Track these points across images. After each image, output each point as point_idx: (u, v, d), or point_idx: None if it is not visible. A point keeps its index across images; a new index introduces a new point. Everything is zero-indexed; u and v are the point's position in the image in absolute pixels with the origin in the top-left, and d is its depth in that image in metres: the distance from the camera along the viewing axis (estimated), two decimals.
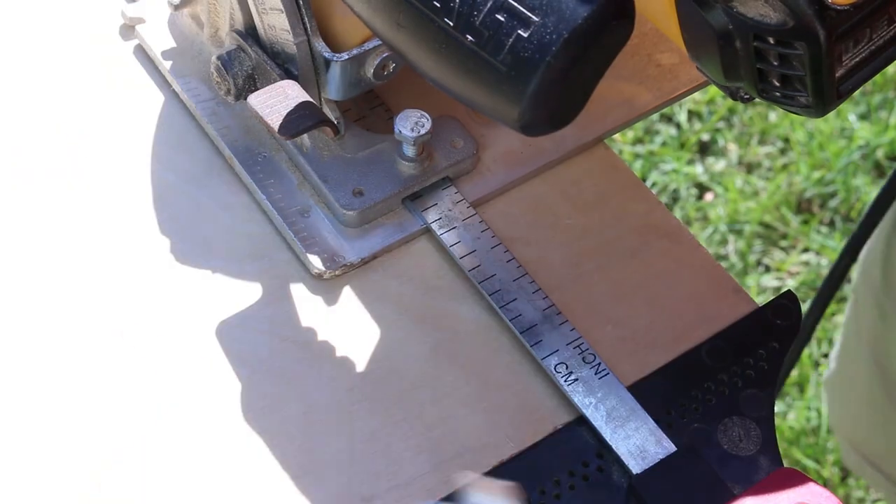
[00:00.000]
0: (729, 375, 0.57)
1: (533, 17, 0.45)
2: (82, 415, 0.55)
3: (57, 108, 0.65)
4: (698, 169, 1.70)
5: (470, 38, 0.46)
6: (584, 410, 0.56)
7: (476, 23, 0.46)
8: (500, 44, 0.46)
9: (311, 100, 0.57)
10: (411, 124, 0.60)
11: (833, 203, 1.67)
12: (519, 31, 0.45)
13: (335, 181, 0.62)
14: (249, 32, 0.61)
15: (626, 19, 0.46)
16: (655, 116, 1.72)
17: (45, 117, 0.65)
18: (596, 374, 0.56)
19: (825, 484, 1.38)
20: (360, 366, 0.58)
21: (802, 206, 1.68)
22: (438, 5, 0.47)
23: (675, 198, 1.68)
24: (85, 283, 0.59)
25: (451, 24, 0.47)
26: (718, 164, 1.71)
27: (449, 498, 0.53)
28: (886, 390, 0.98)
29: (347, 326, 0.59)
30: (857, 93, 0.59)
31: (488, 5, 0.46)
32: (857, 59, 0.52)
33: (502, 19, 0.46)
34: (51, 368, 0.57)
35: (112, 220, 0.62)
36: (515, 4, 0.45)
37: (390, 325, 0.59)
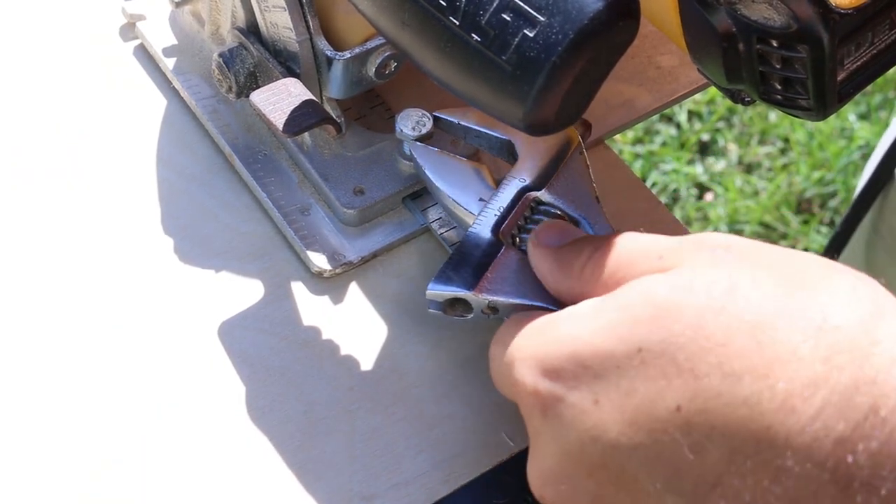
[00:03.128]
0: None
1: (539, 16, 0.45)
2: (82, 414, 0.55)
3: (57, 108, 0.65)
4: (698, 169, 1.71)
5: (475, 37, 0.46)
6: None
7: (482, 22, 0.46)
8: (505, 43, 0.46)
9: (313, 98, 0.57)
10: (412, 123, 0.60)
11: (833, 203, 1.67)
12: (525, 31, 0.46)
13: (336, 180, 0.62)
14: (251, 30, 0.61)
15: (632, 19, 0.46)
16: (655, 116, 1.72)
17: (45, 117, 0.65)
18: None
19: None
20: (361, 365, 0.58)
21: (802, 206, 1.68)
22: (444, 4, 0.47)
23: (676, 198, 1.68)
24: (85, 282, 0.59)
25: (457, 22, 0.47)
26: (718, 164, 1.71)
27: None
28: None
29: (348, 325, 0.59)
30: None
31: (494, 4, 0.46)
32: (859, 63, 0.52)
33: (508, 19, 0.46)
34: (51, 368, 0.56)
35: (112, 219, 0.62)
36: (521, 4, 0.46)
37: (391, 323, 0.59)
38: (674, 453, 0.42)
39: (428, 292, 0.53)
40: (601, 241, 0.49)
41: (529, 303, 0.52)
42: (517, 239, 0.54)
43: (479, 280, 0.52)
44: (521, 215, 0.55)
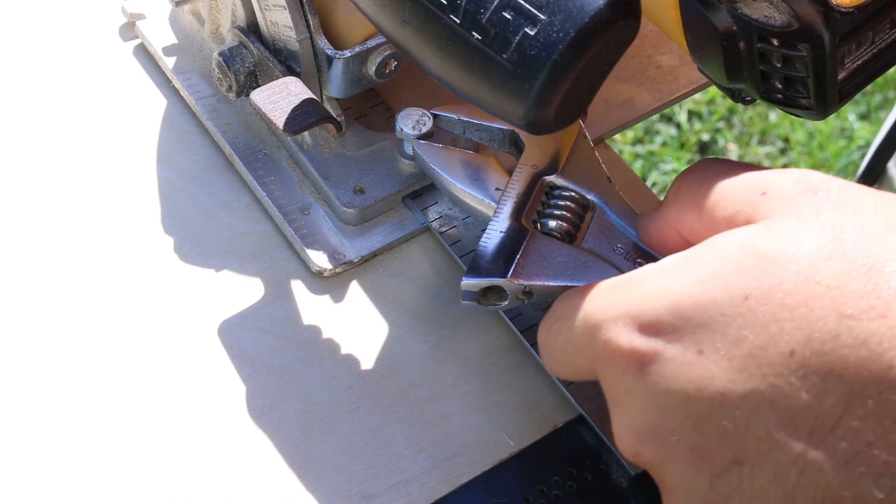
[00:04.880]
0: None
1: (540, 15, 0.45)
2: (81, 414, 0.55)
3: (57, 107, 0.65)
4: None
5: (476, 35, 0.46)
6: (584, 410, 0.56)
7: (482, 20, 0.46)
8: (506, 41, 0.46)
9: (313, 96, 0.57)
10: (413, 122, 0.60)
11: None
12: (526, 29, 0.46)
13: (336, 179, 0.62)
14: (251, 29, 0.61)
15: (633, 18, 0.46)
16: (655, 116, 1.72)
17: (45, 117, 0.65)
18: None
19: None
20: (361, 364, 0.58)
21: None
22: (445, 2, 0.47)
23: None
24: (85, 282, 0.59)
25: (458, 21, 0.47)
26: None
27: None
28: None
29: (348, 325, 0.59)
30: None
31: (495, 3, 0.46)
32: (860, 62, 0.52)
33: (509, 17, 0.46)
34: (50, 368, 0.56)
35: (112, 219, 0.62)
36: (522, 2, 0.46)
37: (390, 323, 0.59)
38: (789, 397, 0.42)
39: (463, 283, 0.53)
40: (694, 166, 0.49)
41: (564, 283, 0.52)
42: (538, 224, 0.54)
43: (510, 266, 0.52)
44: (539, 200, 0.55)
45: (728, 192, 0.47)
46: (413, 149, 0.59)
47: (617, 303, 0.47)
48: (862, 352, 0.41)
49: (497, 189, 0.56)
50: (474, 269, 0.53)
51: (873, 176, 0.93)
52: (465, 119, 0.59)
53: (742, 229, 0.45)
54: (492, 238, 0.54)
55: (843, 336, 0.42)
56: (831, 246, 0.43)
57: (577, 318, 0.48)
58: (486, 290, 0.53)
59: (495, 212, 0.55)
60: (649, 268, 0.47)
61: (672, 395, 0.44)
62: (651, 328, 0.45)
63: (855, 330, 0.42)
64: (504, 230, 0.54)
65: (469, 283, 0.53)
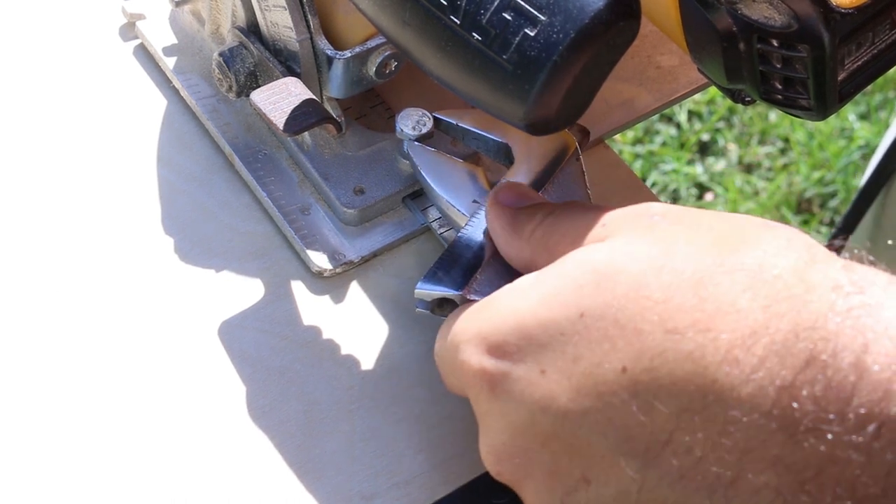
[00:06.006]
0: None
1: (540, 16, 0.45)
2: (82, 414, 0.55)
3: (57, 108, 0.65)
4: (698, 169, 1.71)
5: (476, 36, 0.47)
6: None
7: (483, 21, 0.46)
8: (506, 42, 0.46)
9: (314, 97, 0.57)
10: (413, 123, 0.60)
11: (833, 203, 1.67)
12: (526, 30, 0.46)
13: (336, 179, 0.62)
14: (251, 29, 0.61)
15: (633, 19, 0.46)
16: (655, 116, 1.72)
17: (45, 117, 0.65)
18: None
19: None
20: (361, 364, 0.58)
21: (802, 206, 1.68)
22: (445, 3, 0.47)
23: (675, 198, 1.68)
24: (85, 282, 0.59)
25: (458, 21, 0.47)
26: (718, 164, 1.71)
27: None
28: None
29: (348, 325, 0.59)
30: None
31: (495, 4, 0.46)
32: (860, 63, 0.52)
33: (509, 18, 0.46)
34: (50, 368, 0.56)
35: (112, 219, 0.62)
36: (523, 3, 0.46)
37: (390, 323, 0.59)
38: (624, 415, 0.42)
39: (416, 291, 0.53)
40: (554, 208, 0.50)
41: None
42: None
43: (467, 281, 0.52)
44: None
45: (575, 231, 0.48)
46: (406, 148, 0.60)
47: (472, 325, 0.47)
48: (687, 366, 0.41)
49: (475, 201, 0.56)
50: (431, 278, 0.52)
51: (884, 176, 0.93)
52: (464, 126, 0.59)
53: (582, 248, 0.46)
54: (456, 250, 0.53)
55: (668, 351, 0.42)
56: (662, 258, 0.43)
57: (445, 340, 0.49)
58: (442, 301, 0.53)
59: (466, 224, 0.54)
60: (504, 288, 0.48)
61: (521, 415, 0.45)
62: (498, 349, 0.46)
63: (680, 344, 0.42)
64: (471, 244, 0.53)
65: (422, 292, 0.53)
